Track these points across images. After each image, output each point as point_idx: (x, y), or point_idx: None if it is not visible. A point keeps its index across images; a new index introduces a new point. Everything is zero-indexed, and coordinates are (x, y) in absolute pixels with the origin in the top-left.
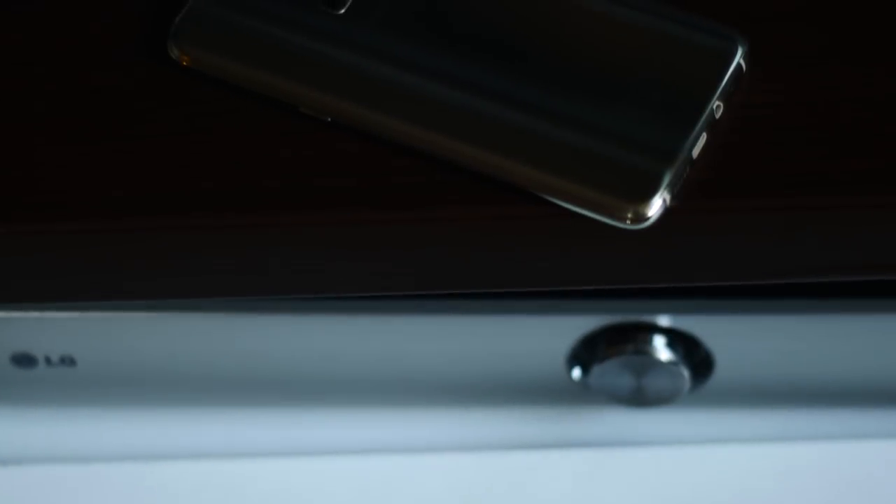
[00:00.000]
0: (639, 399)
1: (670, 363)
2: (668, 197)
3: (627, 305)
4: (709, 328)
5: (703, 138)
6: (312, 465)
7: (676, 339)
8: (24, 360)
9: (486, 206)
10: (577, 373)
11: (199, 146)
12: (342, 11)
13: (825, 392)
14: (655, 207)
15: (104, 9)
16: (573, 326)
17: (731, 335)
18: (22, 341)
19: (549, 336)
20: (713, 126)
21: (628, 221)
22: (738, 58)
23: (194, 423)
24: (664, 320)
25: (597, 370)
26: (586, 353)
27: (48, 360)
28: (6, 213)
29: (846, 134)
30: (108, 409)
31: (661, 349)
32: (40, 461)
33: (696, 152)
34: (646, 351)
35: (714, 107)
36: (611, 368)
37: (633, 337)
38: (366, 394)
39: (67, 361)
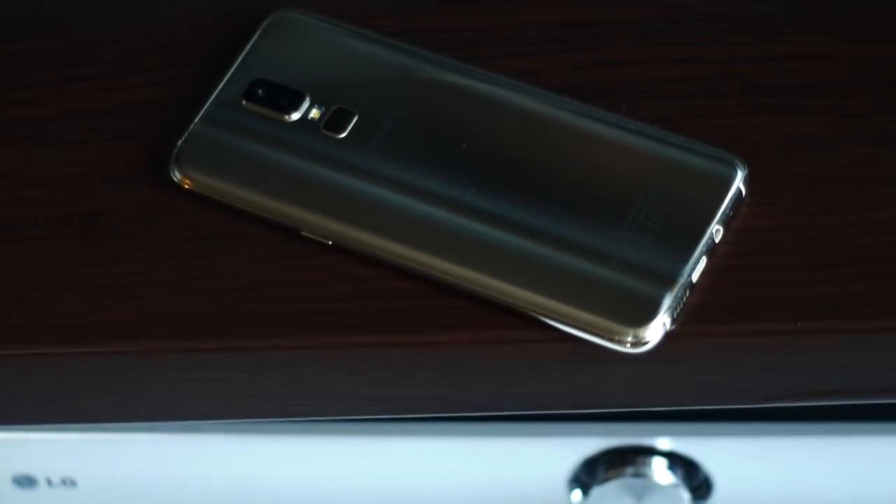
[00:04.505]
0: None
1: (670, 486)
2: (668, 321)
3: (627, 429)
4: (708, 451)
5: (703, 262)
6: None
7: (676, 462)
8: (25, 482)
9: (487, 330)
10: (577, 495)
11: (200, 270)
12: (343, 136)
13: None
14: (656, 331)
15: (106, 132)
16: (574, 449)
17: (730, 458)
18: (23, 462)
19: (549, 458)
20: (713, 250)
21: (628, 345)
22: (738, 182)
23: None
24: (664, 443)
25: (597, 492)
26: (586, 475)
27: (49, 482)
28: (7, 336)
29: (846, 258)
30: None
31: (661, 472)
32: None
33: (696, 276)
34: (645, 474)
35: (714, 231)
36: (611, 491)
37: (633, 460)
38: None
39: (68, 483)
